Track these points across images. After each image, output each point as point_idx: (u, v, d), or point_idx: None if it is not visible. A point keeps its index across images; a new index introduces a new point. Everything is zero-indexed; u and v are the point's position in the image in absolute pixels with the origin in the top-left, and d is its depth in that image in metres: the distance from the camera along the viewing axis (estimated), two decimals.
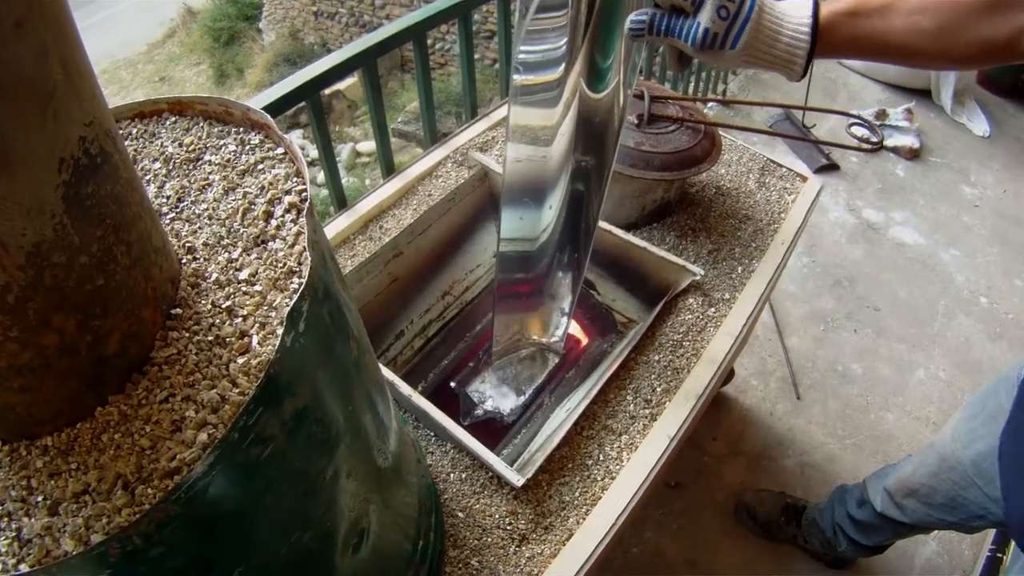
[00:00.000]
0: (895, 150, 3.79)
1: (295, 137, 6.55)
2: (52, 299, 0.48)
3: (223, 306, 0.60)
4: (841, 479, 2.08)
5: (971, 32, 0.84)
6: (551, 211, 1.29)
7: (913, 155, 3.77)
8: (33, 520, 0.51)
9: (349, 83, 8.53)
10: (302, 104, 1.56)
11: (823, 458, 2.46)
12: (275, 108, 1.48)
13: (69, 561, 0.47)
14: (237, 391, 0.54)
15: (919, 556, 2.21)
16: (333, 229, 1.61)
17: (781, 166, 1.91)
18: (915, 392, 2.68)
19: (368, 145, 7.97)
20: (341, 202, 1.76)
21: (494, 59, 8.04)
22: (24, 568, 0.49)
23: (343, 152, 8.02)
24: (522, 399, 1.64)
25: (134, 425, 0.53)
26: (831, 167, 3.66)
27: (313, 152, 6.53)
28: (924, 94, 4.18)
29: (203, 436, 0.51)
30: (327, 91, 7.01)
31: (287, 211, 0.66)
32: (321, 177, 2.02)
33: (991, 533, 2.17)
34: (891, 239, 3.32)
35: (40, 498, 0.52)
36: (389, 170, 1.85)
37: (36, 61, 0.42)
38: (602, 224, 1.59)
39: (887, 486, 1.70)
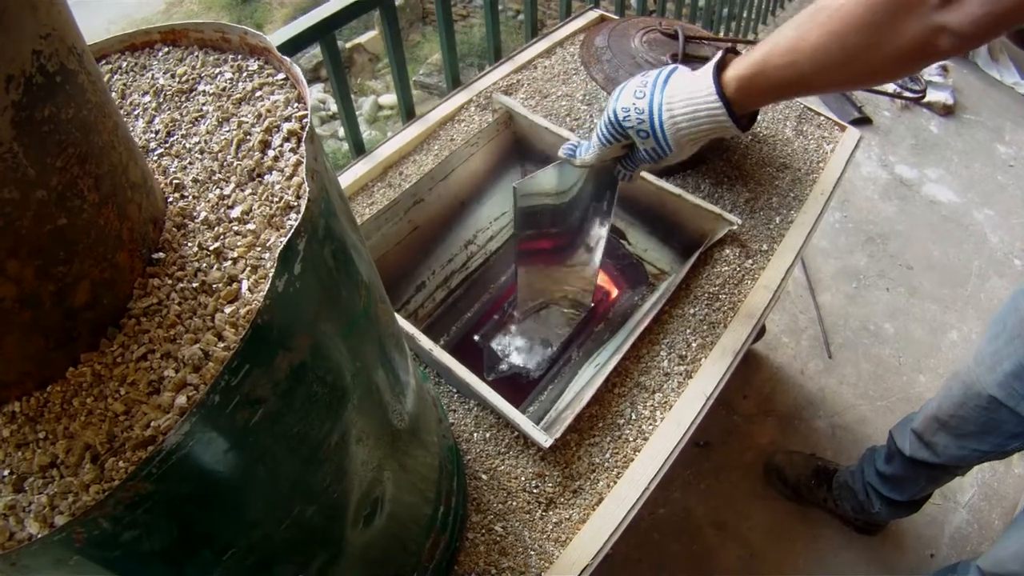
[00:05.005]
0: (929, 105, 3.67)
1: (315, 91, 6.44)
2: (4, 242, 0.41)
3: (211, 248, 0.52)
4: (872, 441, 2.02)
5: (879, 51, 0.82)
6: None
7: (947, 111, 3.65)
8: None
9: (370, 36, 8.38)
10: (321, 60, 1.48)
11: (854, 419, 2.39)
12: (288, 48, 1.43)
13: (31, 547, 0.40)
14: (222, 345, 0.46)
15: (948, 524, 2.15)
16: (351, 176, 1.54)
17: (819, 114, 1.82)
18: (948, 354, 2.59)
19: (390, 98, 7.84)
20: (359, 148, 1.70)
21: (518, 10, 7.84)
22: None
23: (364, 105, 7.90)
24: (549, 353, 1.57)
25: (108, 387, 0.46)
26: (863, 121, 3.53)
27: (334, 107, 6.43)
28: None
29: (182, 399, 0.44)
30: (348, 44, 6.90)
31: (286, 140, 0.58)
32: (342, 132, 1.95)
33: (1021, 506, 2.11)
34: (924, 196, 3.21)
35: (6, 472, 0.45)
36: (409, 115, 1.78)
37: None
38: None
39: (914, 427, 1.66)
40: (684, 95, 0.95)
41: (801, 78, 0.88)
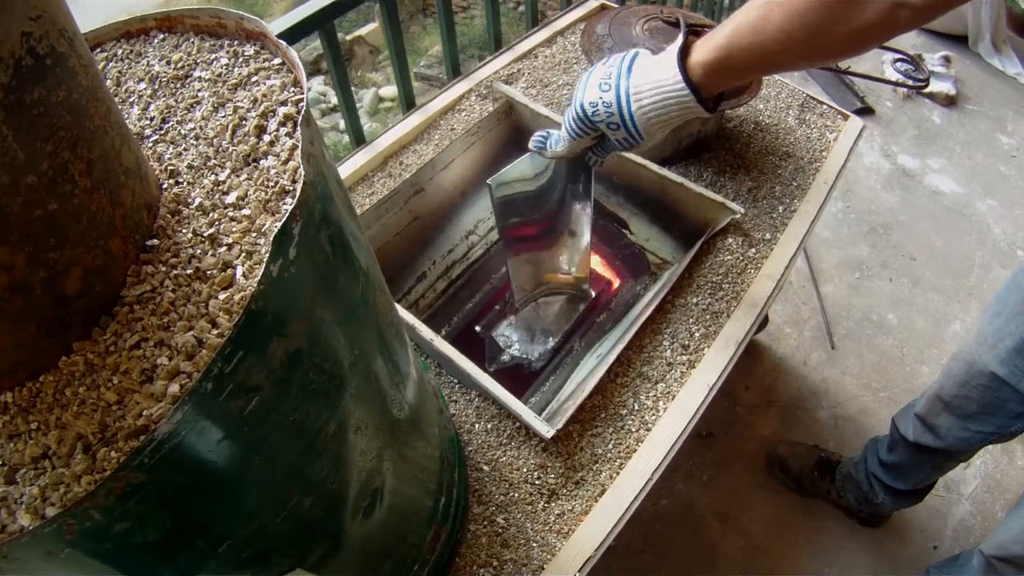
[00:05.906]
0: (932, 96, 3.65)
1: (316, 83, 6.42)
2: None
3: (206, 234, 0.51)
4: (875, 432, 2.01)
5: (842, 27, 0.83)
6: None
7: (950, 102, 3.63)
8: None
9: (370, 28, 8.34)
10: (321, 52, 1.47)
11: (857, 411, 2.38)
12: (288, 37, 1.41)
13: (21, 539, 0.39)
14: (216, 332, 0.45)
15: (952, 516, 2.14)
16: (351, 166, 1.52)
17: (821, 103, 1.80)
18: (951, 345, 2.58)
19: (391, 90, 7.79)
20: (359, 138, 1.68)
21: (518, 1, 7.80)
22: None
23: (365, 97, 7.84)
24: (550, 344, 1.56)
25: (101, 376, 0.46)
26: (866, 111, 3.51)
27: (334, 100, 6.39)
28: (961, 40, 4.01)
29: (174, 388, 0.43)
30: (348, 37, 6.87)
31: (282, 124, 0.57)
32: (343, 124, 1.93)
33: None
34: (927, 187, 3.20)
35: None
36: (410, 105, 1.76)
37: None
38: (636, 159, 1.49)
39: (917, 411, 1.66)
40: (651, 83, 0.95)
41: (766, 57, 0.89)
